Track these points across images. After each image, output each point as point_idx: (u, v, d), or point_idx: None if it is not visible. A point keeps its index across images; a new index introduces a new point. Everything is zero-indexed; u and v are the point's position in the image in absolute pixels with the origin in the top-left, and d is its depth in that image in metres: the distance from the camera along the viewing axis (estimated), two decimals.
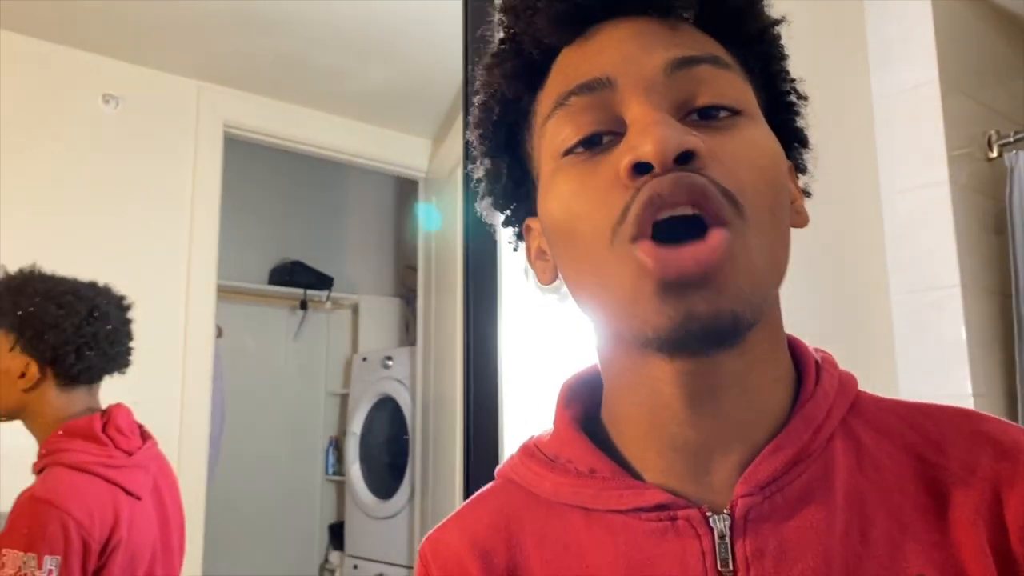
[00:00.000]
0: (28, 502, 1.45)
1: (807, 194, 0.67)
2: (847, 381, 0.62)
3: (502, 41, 0.62)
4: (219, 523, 3.44)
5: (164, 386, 2.70)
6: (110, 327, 1.64)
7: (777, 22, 0.63)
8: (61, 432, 1.57)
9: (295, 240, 4.13)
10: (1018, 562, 0.54)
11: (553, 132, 0.57)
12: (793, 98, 0.65)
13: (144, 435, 1.76)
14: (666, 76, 0.54)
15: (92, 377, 1.64)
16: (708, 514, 0.55)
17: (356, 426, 3.77)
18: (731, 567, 0.54)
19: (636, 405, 0.58)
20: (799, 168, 0.68)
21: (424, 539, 0.66)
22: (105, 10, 2.43)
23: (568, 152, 0.56)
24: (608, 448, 0.61)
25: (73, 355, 1.59)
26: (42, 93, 2.57)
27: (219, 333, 3.78)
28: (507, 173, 0.64)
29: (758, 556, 0.53)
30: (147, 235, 2.72)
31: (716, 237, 0.50)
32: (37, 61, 2.57)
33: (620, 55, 0.55)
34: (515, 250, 0.69)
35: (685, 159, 0.50)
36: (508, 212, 0.67)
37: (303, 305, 4.12)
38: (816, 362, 0.62)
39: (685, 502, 0.56)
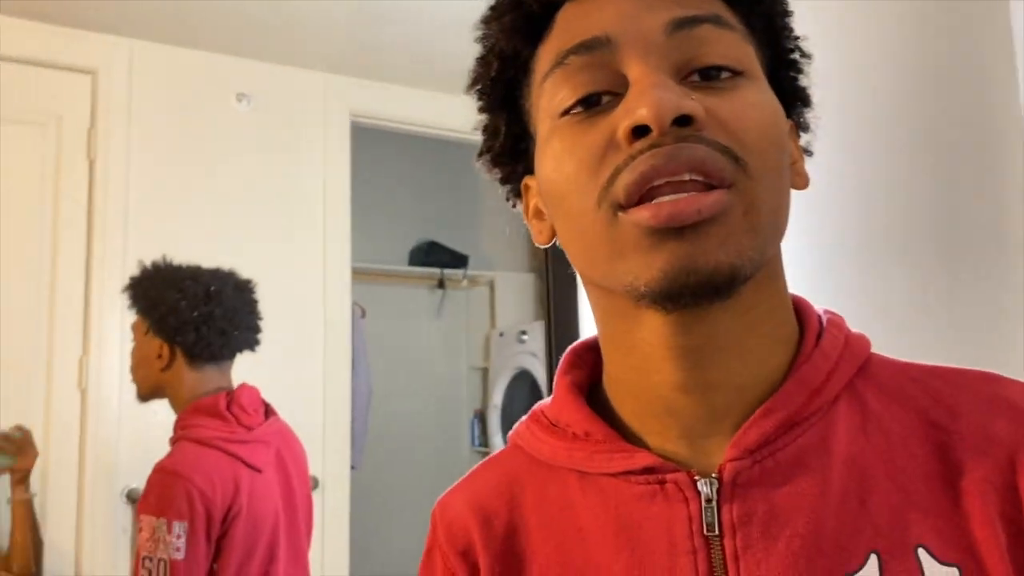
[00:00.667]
0: (158, 473, 1.59)
1: (808, 153, 0.65)
2: (856, 342, 0.60)
3: None
4: (367, 496, 3.62)
5: (307, 366, 2.86)
6: (226, 307, 1.74)
7: None
8: (190, 409, 1.69)
9: (431, 221, 4.25)
10: None
11: (551, 91, 0.56)
12: (796, 56, 0.63)
13: (268, 412, 1.84)
14: (667, 36, 0.53)
15: (215, 355, 1.74)
16: (696, 478, 0.54)
17: (497, 399, 3.86)
18: (717, 531, 0.53)
19: (631, 369, 0.58)
20: (801, 127, 0.65)
21: (436, 502, 0.68)
22: (234, 12, 2.56)
23: (565, 112, 0.55)
24: (609, 413, 0.60)
25: (193, 334, 1.69)
26: (180, 96, 2.76)
27: (363, 313, 3.96)
28: (505, 130, 0.63)
29: (744, 521, 0.52)
30: (283, 223, 2.88)
31: (718, 193, 0.49)
32: (173, 66, 2.76)
33: (620, 13, 0.54)
34: (513, 207, 0.68)
35: (683, 122, 0.50)
36: (506, 169, 0.66)
37: (441, 284, 4.24)
38: (820, 323, 0.60)
39: (674, 466, 0.55)
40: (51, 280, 2.50)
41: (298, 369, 2.84)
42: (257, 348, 1.88)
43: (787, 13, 0.62)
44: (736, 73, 0.53)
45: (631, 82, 0.52)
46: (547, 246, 0.64)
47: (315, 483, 2.73)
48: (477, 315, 4.38)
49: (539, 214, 0.63)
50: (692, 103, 0.50)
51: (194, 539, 1.51)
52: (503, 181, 0.67)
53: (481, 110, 0.65)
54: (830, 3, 1.59)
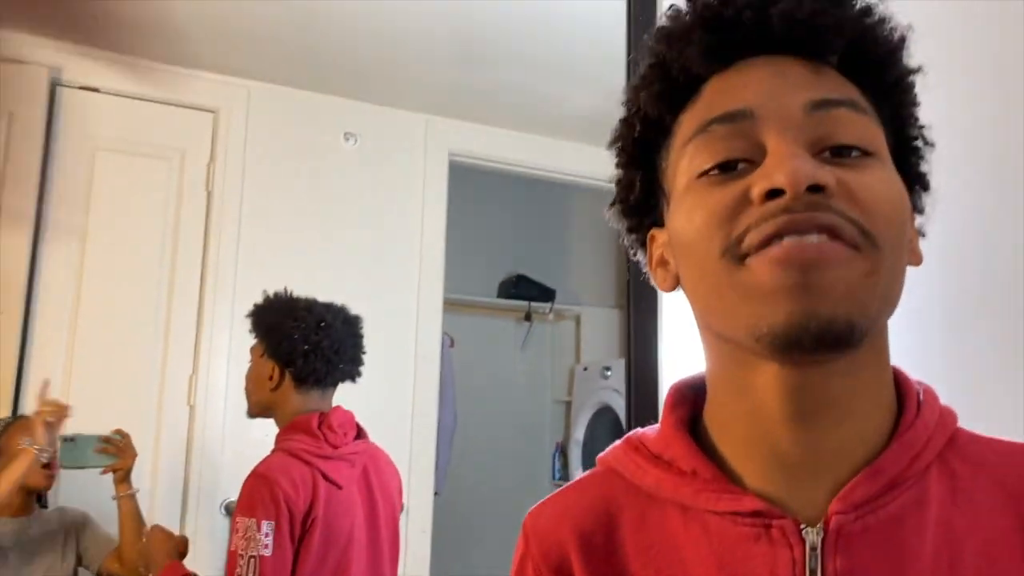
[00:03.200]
0: (250, 478, 1.73)
1: (922, 235, 0.69)
2: (947, 415, 0.63)
3: (651, 65, 0.65)
4: (449, 520, 3.69)
5: (398, 394, 2.98)
6: (334, 339, 1.88)
7: (914, 71, 0.64)
8: (289, 426, 1.84)
9: (520, 255, 4.34)
10: None
11: (692, 154, 0.60)
12: (920, 143, 0.66)
13: (360, 434, 1.96)
14: (805, 115, 0.57)
15: (320, 381, 1.87)
16: (802, 526, 0.57)
17: (579, 433, 3.90)
18: None
19: (741, 414, 0.60)
20: (917, 209, 0.67)
21: (528, 513, 0.70)
22: (344, 56, 2.72)
23: (703, 174, 0.59)
24: (709, 451, 0.63)
25: (302, 359, 1.84)
26: (292, 134, 2.94)
27: (452, 343, 4.07)
28: (640, 186, 0.68)
29: (847, 571, 0.55)
30: (382, 256, 3.02)
31: (843, 246, 0.53)
32: (287, 106, 2.95)
33: (763, 90, 0.58)
34: (634, 255, 0.72)
35: (816, 190, 0.53)
36: (635, 220, 0.70)
37: (528, 317, 4.33)
38: (918, 394, 0.63)
39: (780, 511, 0.58)
40: (167, 302, 2.69)
41: (389, 396, 2.95)
42: (358, 379, 2.01)
43: (916, 103, 0.66)
44: (866, 154, 0.57)
45: (769, 151, 0.56)
46: (669, 293, 0.68)
47: (402, 507, 2.84)
48: (562, 349, 4.44)
49: (663, 263, 0.67)
50: (826, 173, 0.54)
51: (280, 537, 1.64)
52: (630, 231, 0.71)
53: (618, 165, 0.69)
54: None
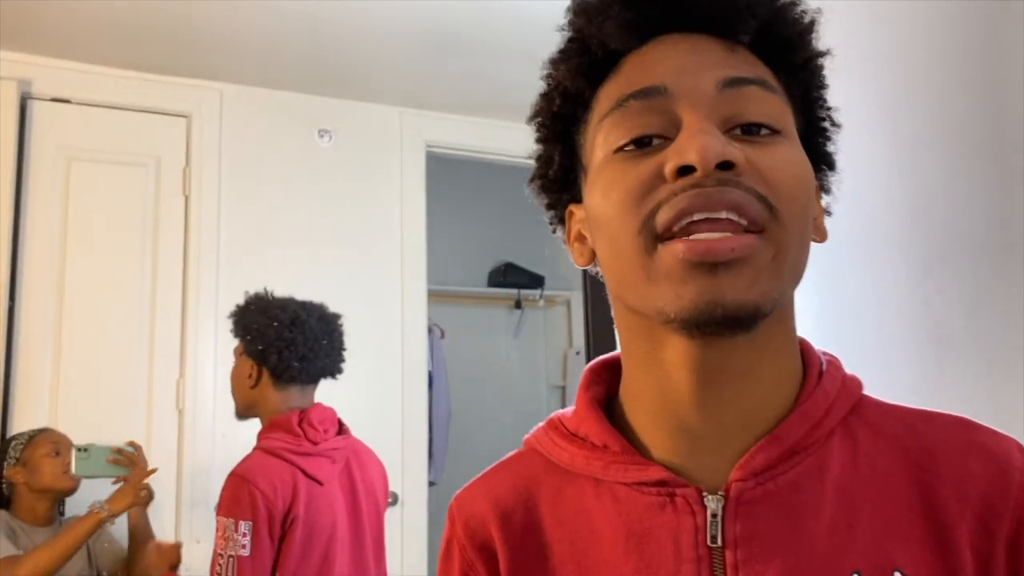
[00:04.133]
0: (229, 478, 1.76)
1: (828, 213, 0.69)
2: (851, 384, 0.65)
3: (570, 40, 0.66)
4: (446, 510, 3.69)
5: (386, 386, 2.99)
6: (308, 335, 1.89)
7: (823, 54, 0.66)
8: (269, 424, 1.86)
9: (507, 244, 4.36)
10: (1000, 571, 0.57)
11: (608, 129, 0.61)
12: (827, 124, 0.68)
13: (342, 430, 1.97)
14: (717, 92, 0.58)
15: (296, 378, 1.88)
16: (704, 494, 0.59)
17: None
18: (720, 544, 0.58)
19: (650, 387, 0.62)
20: (824, 188, 0.69)
21: (453, 497, 0.73)
22: (314, 54, 2.72)
23: (619, 149, 0.60)
24: (622, 426, 0.65)
25: (275, 356, 1.86)
26: (266, 134, 2.95)
27: (442, 334, 4.10)
28: (559, 161, 0.68)
29: (746, 537, 0.57)
30: (364, 251, 3.03)
31: (751, 237, 0.54)
32: (260, 107, 2.96)
33: (678, 67, 0.59)
34: (554, 231, 0.73)
35: (725, 167, 0.54)
36: (554, 196, 0.71)
37: (518, 304, 4.35)
38: (821, 364, 0.65)
39: (684, 481, 0.60)
40: (151, 308, 2.71)
41: (378, 389, 2.97)
42: (339, 376, 2.02)
43: (824, 86, 0.67)
44: (775, 131, 0.59)
45: (683, 127, 0.57)
46: (584, 268, 0.69)
47: (394, 498, 2.85)
48: (555, 334, 4.46)
49: (581, 238, 0.69)
50: (735, 151, 0.55)
51: (258, 537, 1.67)
52: (549, 207, 0.72)
53: (538, 141, 0.70)
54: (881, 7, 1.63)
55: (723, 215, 0.54)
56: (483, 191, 4.11)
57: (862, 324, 1.65)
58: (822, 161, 0.68)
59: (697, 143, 0.55)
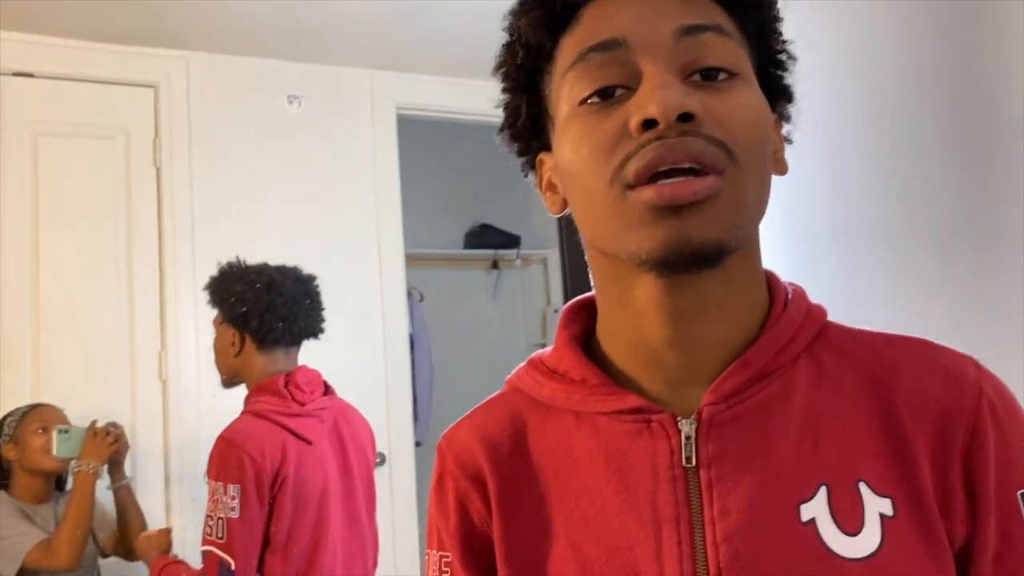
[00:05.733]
0: (217, 442, 1.79)
1: (789, 141, 0.71)
2: (816, 312, 0.69)
3: None
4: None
5: (369, 349, 3.01)
6: (286, 297, 1.90)
7: None
8: (255, 388, 1.88)
9: (482, 205, 4.36)
10: (956, 478, 0.60)
11: (572, 82, 0.63)
12: (783, 58, 0.70)
13: (328, 391, 2.00)
14: (675, 41, 0.60)
15: (279, 340, 1.90)
16: (678, 418, 0.63)
17: None
18: (694, 464, 0.62)
19: (625, 324, 0.66)
20: (784, 118, 0.71)
21: (442, 436, 0.76)
22: (280, 18, 2.70)
23: (583, 101, 0.62)
24: (600, 362, 0.69)
25: (256, 320, 1.88)
26: (235, 102, 2.93)
27: (421, 297, 4.11)
28: (526, 111, 0.70)
29: (719, 456, 0.61)
30: (338, 216, 3.03)
31: (711, 179, 0.57)
32: (227, 74, 2.93)
33: (636, 18, 0.61)
34: (526, 177, 0.76)
35: (685, 118, 0.57)
36: (523, 145, 0.73)
37: (495, 265, 4.36)
38: (787, 293, 0.69)
39: (658, 407, 0.64)
40: (128, 281, 2.70)
41: (360, 353, 2.99)
42: (321, 336, 2.04)
43: (777, 19, 0.70)
44: (732, 75, 0.61)
45: (644, 79, 0.60)
46: (558, 216, 0.72)
47: (382, 459, 2.88)
48: (532, 293, 4.48)
49: (552, 187, 0.71)
50: (694, 102, 0.58)
51: (247, 500, 1.70)
52: (519, 154, 0.74)
53: (504, 91, 0.72)
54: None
55: (685, 165, 0.57)
56: (455, 152, 4.10)
57: (842, 320, 1.69)
58: (780, 94, 0.70)
59: (657, 97, 0.57)
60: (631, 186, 0.58)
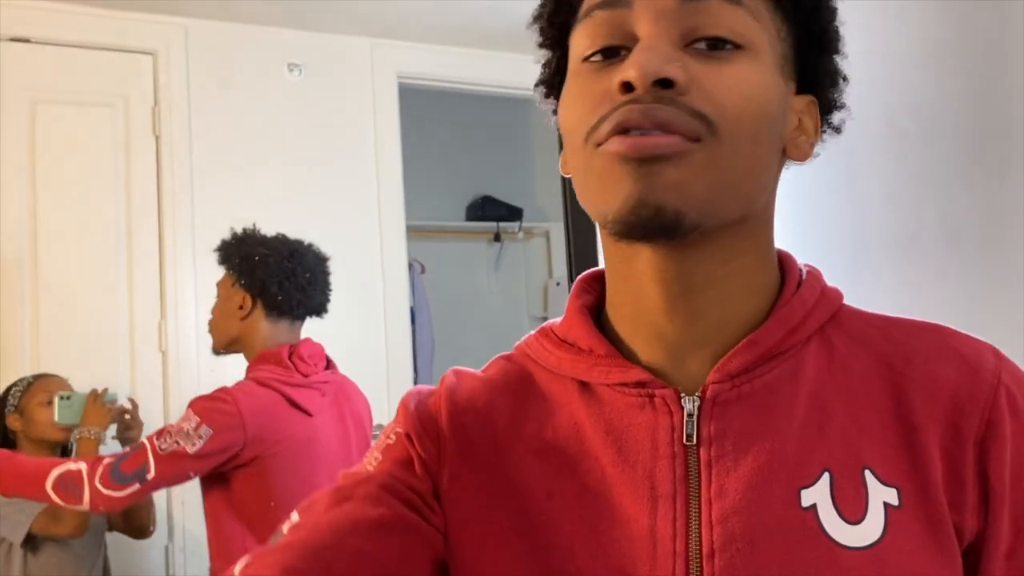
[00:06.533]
0: (219, 389, 1.79)
1: (837, 130, 0.68)
2: (830, 294, 0.67)
3: None
4: None
5: (369, 321, 3.00)
6: (307, 268, 1.90)
7: None
8: (258, 357, 1.87)
9: (485, 177, 4.33)
10: (969, 470, 0.58)
11: (577, 39, 0.62)
12: (824, 38, 0.66)
13: (329, 365, 1.98)
14: (679, 4, 0.58)
15: (291, 311, 1.89)
16: (682, 395, 0.62)
17: None
18: (695, 442, 0.60)
19: (627, 296, 0.65)
20: (830, 105, 0.67)
21: (451, 369, 0.74)
22: None
23: (586, 59, 0.61)
24: (609, 334, 0.67)
25: (275, 286, 1.86)
26: (235, 70, 2.90)
27: (423, 269, 4.09)
28: (555, 65, 0.70)
29: (720, 435, 0.60)
30: (339, 186, 3.00)
31: (677, 138, 0.55)
32: (227, 42, 2.89)
33: None
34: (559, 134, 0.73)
35: (665, 84, 0.55)
36: (554, 102, 0.72)
37: (497, 237, 4.34)
38: (801, 274, 0.67)
39: (663, 382, 0.62)
40: (127, 250, 2.68)
41: (361, 325, 2.98)
42: (324, 315, 2.03)
43: None
44: (737, 46, 0.58)
45: (639, 41, 0.58)
46: (566, 176, 0.69)
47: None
48: (534, 266, 4.47)
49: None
50: (675, 68, 0.56)
51: (208, 447, 1.68)
52: (554, 112, 0.72)
53: (539, 45, 0.71)
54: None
55: (652, 133, 0.55)
56: (458, 123, 4.07)
57: (843, 239, 1.67)
58: (820, 76, 0.67)
59: (637, 59, 0.56)
60: (600, 144, 0.57)
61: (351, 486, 0.65)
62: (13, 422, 2.16)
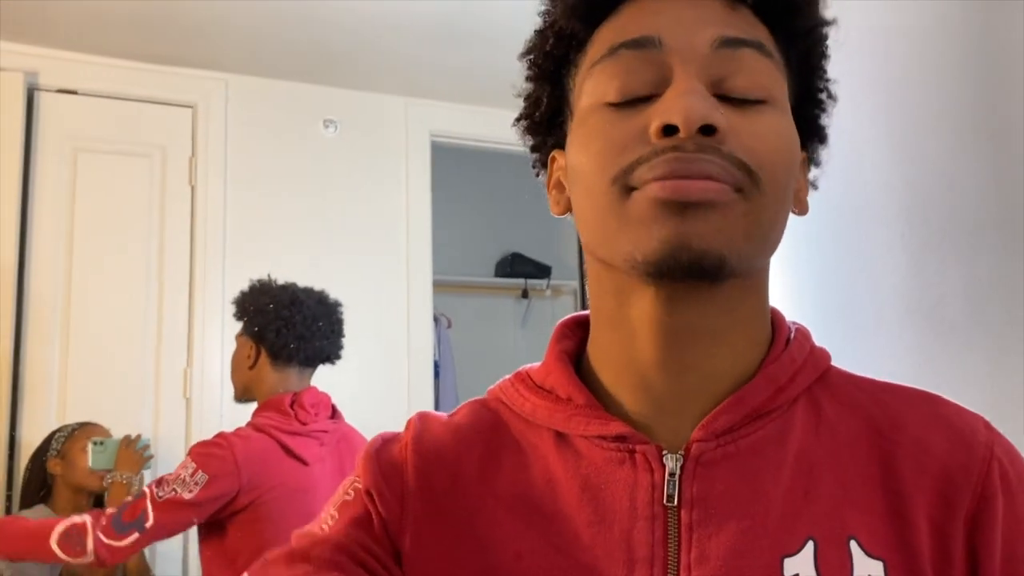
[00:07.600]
0: (217, 435, 1.82)
1: (814, 187, 0.67)
2: (819, 354, 0.65)
3: None
4: None
5: (393, 374, 3.00)
6: (306, 315, 1.91)
7: (827, 23, 0.64)
8: (263, 404, 1.89)
9: (514, 233, 4.36)
10: (958, 545, 0.56)
11: (597, 78, 0.60)
12: (824, 96, 0.67)
13: (335, 415, 2.00)
14: (712, 50, 0.57)
15: (293, 358, 1.91)
16: (664, 452, 0.59)
17: None
18: (676, 503, 0.57)
19: (615, 343, 0.62)
20: (813, 161, 0.68)
21: (417, 412, 0.70)
22: (319, 44, 2.73)
23: (608, 104, 0.59)
24: (590, 382, 0.64)
25: (274, 334, 1.89)
26: (271, 124, 2.96)
27: (449, 324, 4.10)
28: (547, 102, 0.67)
29: (703, 497, 0.57)
30: (369, 241, 3.04)
31: (724, 186, 0.54)
32: (265, 97, 2.97)
33: (675, 20, 0.58)
34: (537, 175, 0.72)
35: (708, 131, 0.54)
36: (539, 139, 0.69)
37: (525, 294, 4.35)
38: (790, 332, 0.65)
39: (644, 437, 0.59)
40: (158, 297, 2.73)
41: (384, 379, 2.98)
42: (338, 361, 2.03)
43: (825, 55, 0.66)
44: (765, 99, 0.58)
45: (672, 84, 0.56)
46: (560, 216, 0.68)
47: None
48: None
49: (560, 186, 0.67)
50: (719, 116, 0.54)
51: (204, 494, 1.70)
52: (533, 149, 0.71)
53: (528, 79, 0.68)
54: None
55: (697, 184, 0.54)
56: (489, 181, 4.11)
57: (861, 308, 1.65)
58: (814, 133, 0.67)
59: (682, 104, 0.54)
60: (635, 189, 0.55)
61: (305, 548, 0.63)
62: (54, 466, 2.21)
